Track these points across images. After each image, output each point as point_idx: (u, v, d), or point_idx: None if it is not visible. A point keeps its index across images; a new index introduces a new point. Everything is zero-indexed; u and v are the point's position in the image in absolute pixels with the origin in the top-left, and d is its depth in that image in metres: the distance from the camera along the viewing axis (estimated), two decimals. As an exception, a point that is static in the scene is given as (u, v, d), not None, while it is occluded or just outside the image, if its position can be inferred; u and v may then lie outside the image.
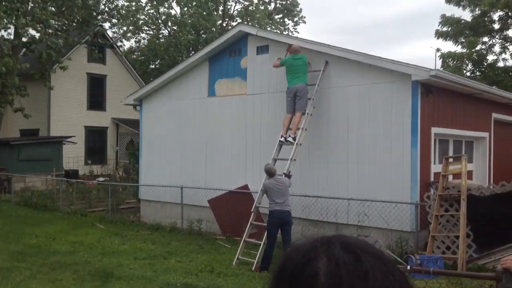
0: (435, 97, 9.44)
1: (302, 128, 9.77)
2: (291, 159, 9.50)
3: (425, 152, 9.21)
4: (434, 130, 9.50)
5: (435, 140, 9.85)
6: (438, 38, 25.95)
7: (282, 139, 9.85)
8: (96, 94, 26.75)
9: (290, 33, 34.52)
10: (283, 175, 9.15)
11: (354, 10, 71.18)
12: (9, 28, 20.87)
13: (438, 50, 26.10)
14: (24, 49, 21.95)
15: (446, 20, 25.41)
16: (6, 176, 18.43)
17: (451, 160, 9.18)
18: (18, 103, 21.60)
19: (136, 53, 35.16)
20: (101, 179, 21.12)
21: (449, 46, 39.41)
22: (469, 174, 11.50)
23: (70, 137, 22.05)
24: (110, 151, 26.57)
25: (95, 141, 26.82)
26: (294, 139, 9.69)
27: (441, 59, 25.71)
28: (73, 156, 24.47)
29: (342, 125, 9.91)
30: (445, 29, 25.67)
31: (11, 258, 9.33)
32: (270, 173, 8.65)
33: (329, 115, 10.10)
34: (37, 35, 22.65)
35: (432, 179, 9.37)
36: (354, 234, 9.47)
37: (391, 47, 69.12)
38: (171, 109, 13.09)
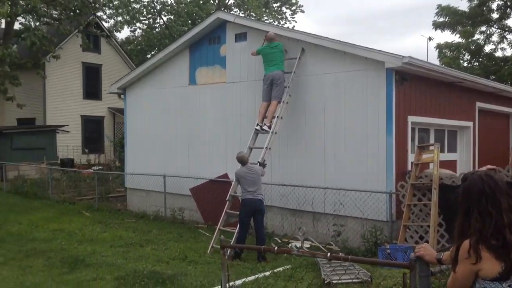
0: (412, 85, 9.31)
1: (277, 117, 9.70)
2: (266, 147, 9.44)
3: (401, 141, 9.10)
4: (411, 118, 9.38)
5: (413, 129, 9.75)
6: (436, 29, 25.59)
7: (258, 127, 9.79)
8: (92, 83, 26.74)
9: (287, 23, 34.25)
10: (257, 164, 9.11)
11: (360, 1, 70.54)
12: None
13: (430, 39, 25.85)
14: (15, 38, 21.93)
15: (441, 10, 25.05)
16: (0, 164, 18.52)
17: (432, 147, 9.03)
18: (11, 92, 21.63)
19: (134, 43, 35.05)
20: (96, 168, 21.15)
21: (447, 37, 39.02)
22: (453, 164, 11.41)
23: (63, 126, 22.07)
24: (106, 140, 26.63)
25: (92, 130, 26.88)
26: (270, 127, 9.63)
27: (437, 50, 25.42)
28: (71, 145, 24.58)
29: (318, 113, 9.82)
30: (441, 19, 25.30)
31: (-11, 245, 9.39)
32: (242, 161, 8.61)
33: (306, 103, 10.01)
34: (30, 23, 22.67)
35: (409, 168, 9.28)
36: (330, 223, 9.45)
37: (395, 39, 68.54)
38: (154, 97, 13.04)
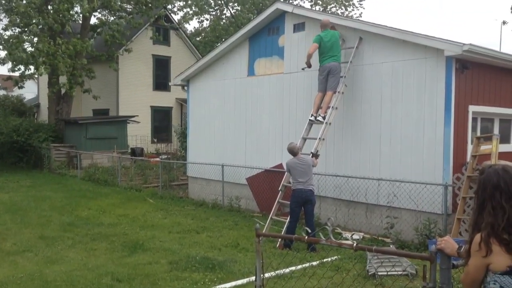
0: (474, 73, 8.87)
1: (332, 107, 9.63)
2: (319, 138, 9.41)
3: (460, 131, 8.73)
4: (473, 108, 8.95)
5: (475, 119, 9.30)
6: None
7: (312, 118, 9.77)
8: (161, 75, 27.75)
9: (355, 9, 33.50)
10: (310, 155, 9.11)
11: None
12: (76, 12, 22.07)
13: (504, 23, 24.21)
14: (91, 32, 23.19)
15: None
16: (76, 153, 19.80)
17: (496, 139, 8.56)
18: (87, 84, 22.97)
19: (202, 35, 35.87)
20: (163, 157, 22.03)
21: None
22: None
23: (133, 116, 23.14)
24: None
25: (161, 120, 27.98)
26: (324, 118, 9.58)
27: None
28: (141, 134, 25.76)
29: (375, 103, 9.63)
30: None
31: (60, 228, 10.12)
32: (292, 152, 8.64)
33: (362, 93, 9.84)
34: (106, 18, 23.87)
35: (468, 160, 8.87)
36: (383, 215, 9.28)
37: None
38: (214, 89, 13.37)
